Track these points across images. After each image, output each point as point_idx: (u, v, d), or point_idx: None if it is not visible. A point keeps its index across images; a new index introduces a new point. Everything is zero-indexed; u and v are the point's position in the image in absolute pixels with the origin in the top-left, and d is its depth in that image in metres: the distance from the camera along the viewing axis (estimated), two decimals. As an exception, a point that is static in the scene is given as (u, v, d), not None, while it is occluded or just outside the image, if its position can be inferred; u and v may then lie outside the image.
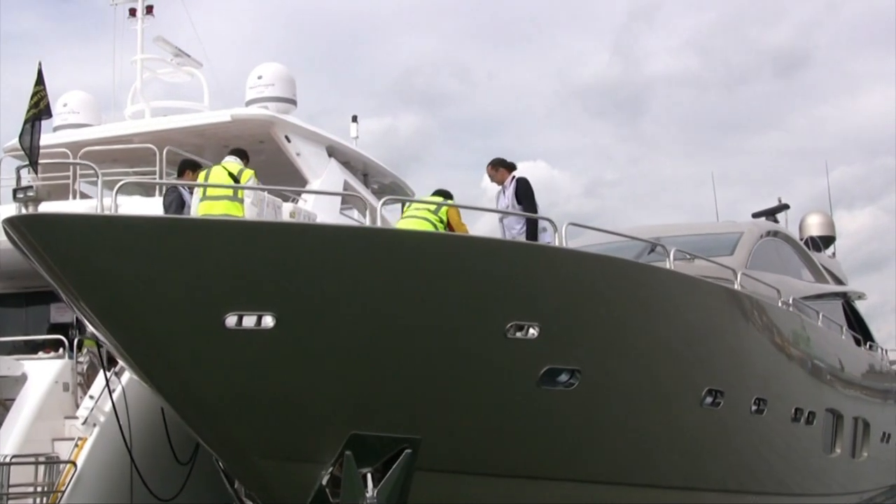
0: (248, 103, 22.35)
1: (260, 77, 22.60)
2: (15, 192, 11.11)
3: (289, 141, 21.92)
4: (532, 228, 15.31)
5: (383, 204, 12.67)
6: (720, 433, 17.47)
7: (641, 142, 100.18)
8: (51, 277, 11.43)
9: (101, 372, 16.34)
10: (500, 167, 16.02)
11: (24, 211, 11.11)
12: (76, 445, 15.84)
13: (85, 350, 17.86)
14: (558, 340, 13.81)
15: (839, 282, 31.16)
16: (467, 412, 13.55)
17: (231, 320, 11.66)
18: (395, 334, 12.69)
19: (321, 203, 20.72)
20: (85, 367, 17.62)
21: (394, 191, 25.98)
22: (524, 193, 15.65)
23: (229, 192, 14.36)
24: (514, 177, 15.94)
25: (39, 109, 11.37)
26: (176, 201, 14.93)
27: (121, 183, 11.62)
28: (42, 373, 17.12)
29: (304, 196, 20.75)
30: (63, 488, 15.29)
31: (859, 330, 28.67)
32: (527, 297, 13.49)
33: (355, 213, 24.37)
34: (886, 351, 32.11)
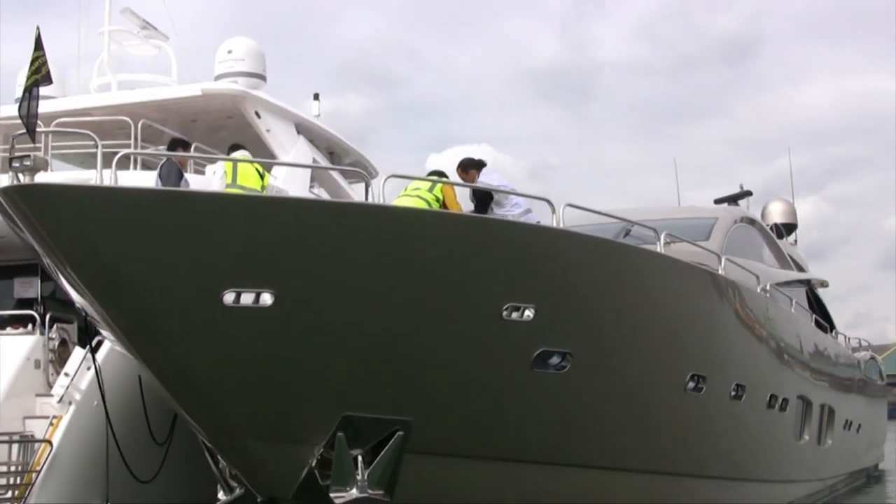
0: (218, 78, 21.95)
1: (230, 51, 22.19)
2: (11, 160, 10.60)
3: (259, 117, 21.61)
4: (481, 208, 15.01)
5: (386, 180, 12.34)
6: (702, 419, 17.38)
7: (588, 127, 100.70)
8: (44, 250, 11.01)
9: (77, 349, 15.96)
10: (470, 169, 15.47)
11: (19, 181, 10.61)
12: (51, 424, 15.40)
13: (55, 326, 17.42)
14: (553, 322, 13.61)
15: (801, 269, 31.20)
16: (460, 395, 13.34)
17: (229, 297, 11.34)
18: (390, 314, 12.44)
19: (291, 180, 20.47)
20: (56, 343, 17.17)
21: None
22: (480, 196, 15.25)
23: (257, 186, 14.15)
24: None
25: (41, 75, 10.93)
26: (174, 172, 14.52)
27: (119, 154, 11.21)
28: (13, 349, 16.67)
29: (273, 172, 20.49)
30: (38, 468, 14.85)
31: (822, 317, 28.76)
32: (524, 278, 13.27)
33: (315, 189, 24.09)
34: (848, 338, 32.33)
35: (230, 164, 14.63)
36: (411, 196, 14.14)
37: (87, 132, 12.02)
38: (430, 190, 14.24)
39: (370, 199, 12.46)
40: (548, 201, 14.02)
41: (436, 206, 14.13)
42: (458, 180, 15.42)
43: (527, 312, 13.18)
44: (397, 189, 14.83)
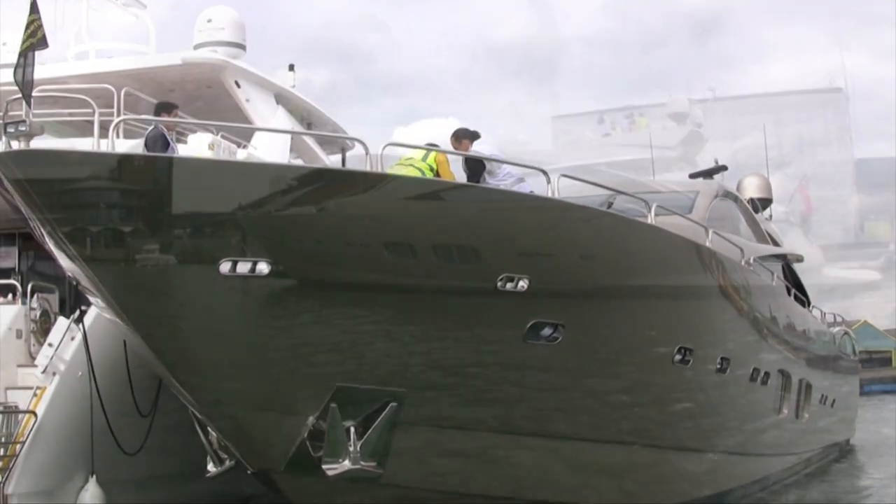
0: (197, 47, 21.74)
1: (209, 20, 21.99)
2: (6, 126, 10.38)
3: (238, 86, 21.42)
4: (474, 177, 14.88)
5: (384, 148, 12.18)
6: (688, 391, 17.36)
7: (555, 102, 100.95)
8: (38, 217, 10.78)
9: (60, 319, 15.76)
10: (463, 139, 15.17)
11: (14, 146, 10.40)
12: (35, 395, 15.17)
13: (36, 296, 17.17)
14: (546, 293, 13.52)
15: (776, 244, 31.17)
16: (455, 366, 13.23)
17: (225, 266, 11.18)
18: (384, 284, 12.32)
19: (271, 150, 20.30)
20: (38, 313, 16.92)
21: (336, 140, 25.62)
22: (472, 166, 15.11)
23: None
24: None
25: (36, 39, 10.67)
26: (160, 139, 14.29)
27: (116, 121, 11.02)
28: (-6, 319, 16.44)
29: (252, 142, 20.34)
30: (22, 439, 14.63)
31: (798, 292, 28.78)
32: (519, 247, 13.17)
33: (293, 160, 23.91)
34: (824, 314, 32.38)
35: None
36: (405, 165, 13.97)
37: (85, 98, 11.82)
38: (424, 159, 14.07)
39: (367, 167, 12.27)
40: (543, 171, 13.91)
41: (430, 176, 13.99)
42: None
43: (521, 283, 13.09)
44: (389, 160, 14.65)
